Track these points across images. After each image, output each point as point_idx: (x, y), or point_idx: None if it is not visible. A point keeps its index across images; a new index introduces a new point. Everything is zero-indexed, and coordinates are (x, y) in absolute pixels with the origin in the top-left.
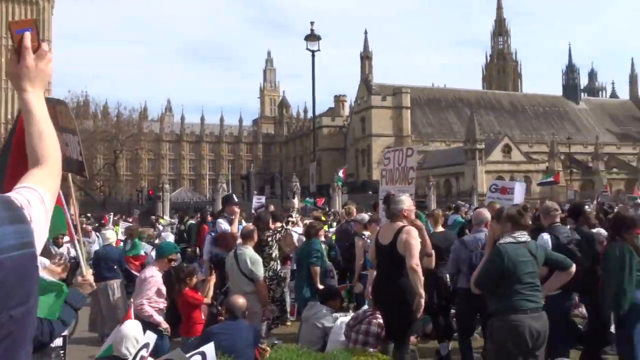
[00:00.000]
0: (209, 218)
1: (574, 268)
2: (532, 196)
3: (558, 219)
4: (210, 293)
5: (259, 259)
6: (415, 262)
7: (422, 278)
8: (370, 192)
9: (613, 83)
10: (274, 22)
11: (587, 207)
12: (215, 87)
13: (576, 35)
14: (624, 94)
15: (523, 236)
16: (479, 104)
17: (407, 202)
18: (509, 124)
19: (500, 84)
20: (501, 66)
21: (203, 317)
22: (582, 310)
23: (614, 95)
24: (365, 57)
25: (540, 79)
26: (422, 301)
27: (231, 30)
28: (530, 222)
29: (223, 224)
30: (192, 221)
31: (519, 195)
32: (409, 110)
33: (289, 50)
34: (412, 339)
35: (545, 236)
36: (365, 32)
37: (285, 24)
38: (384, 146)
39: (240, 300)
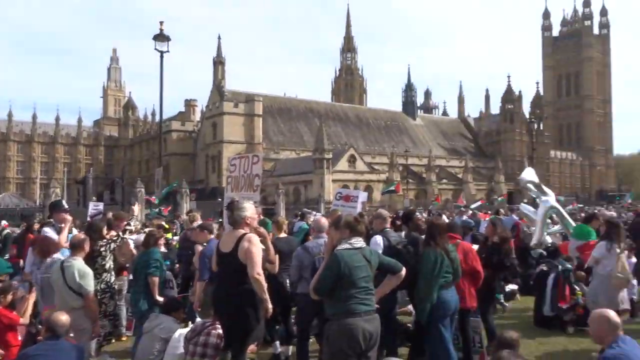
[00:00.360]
0: (36, 226)
1: (403, 272)
2: (373, 204)
3: (388, 225)
4: (29, 312)
5: (90, 271)
6: (257, 271)
7: (265, 285)
8: (219, 199)
9: (445, 103)
10: (121, 19)
11: (417, 214)
12: (51, 83)
13: (415, 57)
14: (453, 112)
15: (359, 242)
16: (328, 116)
17: (250, 210)
18: (355, 135)
19: (347, 98)
20: (349, 81)
21: (19, 338)
22: (411, 307)
23: (445, 113)
24: (219, 62)
25: (383, 95)
26: (269, 305)
27: (70, 23)
28: (365, 229)
29: (50, 233)
30: (8, 230)
31: (361, 203)
32: (260, 118)
33: (136, 50)
34: (252, 347)
35: (378, 238)
36: (219, 38)
37: (134, 22)
38: (235, 153)
39: (63, 318)
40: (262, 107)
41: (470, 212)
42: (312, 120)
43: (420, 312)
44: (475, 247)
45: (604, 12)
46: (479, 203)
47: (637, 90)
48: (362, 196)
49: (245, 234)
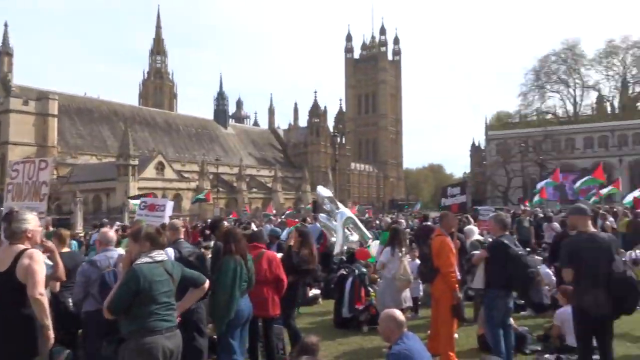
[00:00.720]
0: None
1: (207, 284)
2: (183, 213)
3: (182, 235)
4: None
5: None
6: (38, 291)
7: (48, 307)
8: (1, 209)
9: (256, 113)
10: None
11: (225, 223)
12: None
13: (227, 66)
14: (264, 123)
15: (160, 255)
16: (135, 120)
17: (32, 222)
18: (164, 141)
19: (156, 102)
20: (158, 85)
21: None
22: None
23: (256, 123)
24: (5, 53)
25: (195, 102)
26: (50, 333)
27: None
28: (167, 241)
29: None
30: None
31: (167, 212)
32: (55, 118)
33: None
34: None
35: (169, 250)
36: (6, 25)
37: None
38: (23, 156)
39: None
40: (57, 107)
41: (279, 220)
42: (116, 124)
43: (219, 323)
44: (280, 255)
45: (396, 41)
46: (287, 212)
47: (421, 111)
48: (169, 205)
49: (25, 249)
